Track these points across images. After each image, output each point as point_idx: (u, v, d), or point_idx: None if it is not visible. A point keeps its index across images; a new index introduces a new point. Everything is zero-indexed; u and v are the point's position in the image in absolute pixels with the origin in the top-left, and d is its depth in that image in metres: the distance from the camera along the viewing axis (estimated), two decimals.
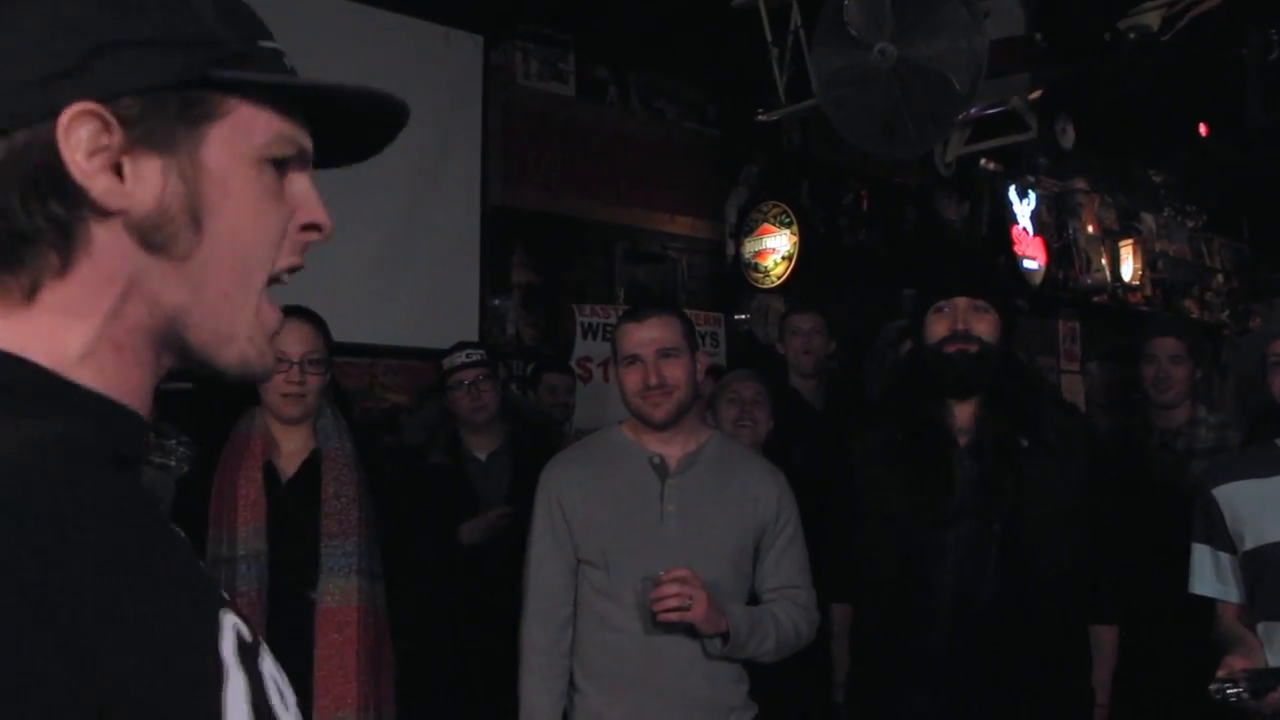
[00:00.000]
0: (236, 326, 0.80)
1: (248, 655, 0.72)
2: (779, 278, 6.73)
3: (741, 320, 6.84)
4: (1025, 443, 2.48)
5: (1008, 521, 2.43)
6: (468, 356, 3.76)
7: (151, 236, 0.75)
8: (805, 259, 6.70)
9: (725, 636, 2.40)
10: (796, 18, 4.96)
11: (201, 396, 2.64)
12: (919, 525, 2.49)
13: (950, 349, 2.50)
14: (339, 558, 2.65)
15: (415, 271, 5.45)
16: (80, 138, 0.71)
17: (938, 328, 2.54)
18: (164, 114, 0.74)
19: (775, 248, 6.77)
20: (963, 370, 2.50)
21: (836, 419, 4.21)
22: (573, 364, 5.57)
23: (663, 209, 6.77)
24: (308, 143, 0.84)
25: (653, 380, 2.48)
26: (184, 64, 0.74)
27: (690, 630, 2.39)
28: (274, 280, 0.83)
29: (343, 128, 0.88)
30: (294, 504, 2.69)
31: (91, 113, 0.71)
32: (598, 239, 6.42)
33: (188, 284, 0.77)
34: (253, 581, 2.57)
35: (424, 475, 3.64)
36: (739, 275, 6.93)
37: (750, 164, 7.01)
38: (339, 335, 2.98)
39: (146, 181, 0.74)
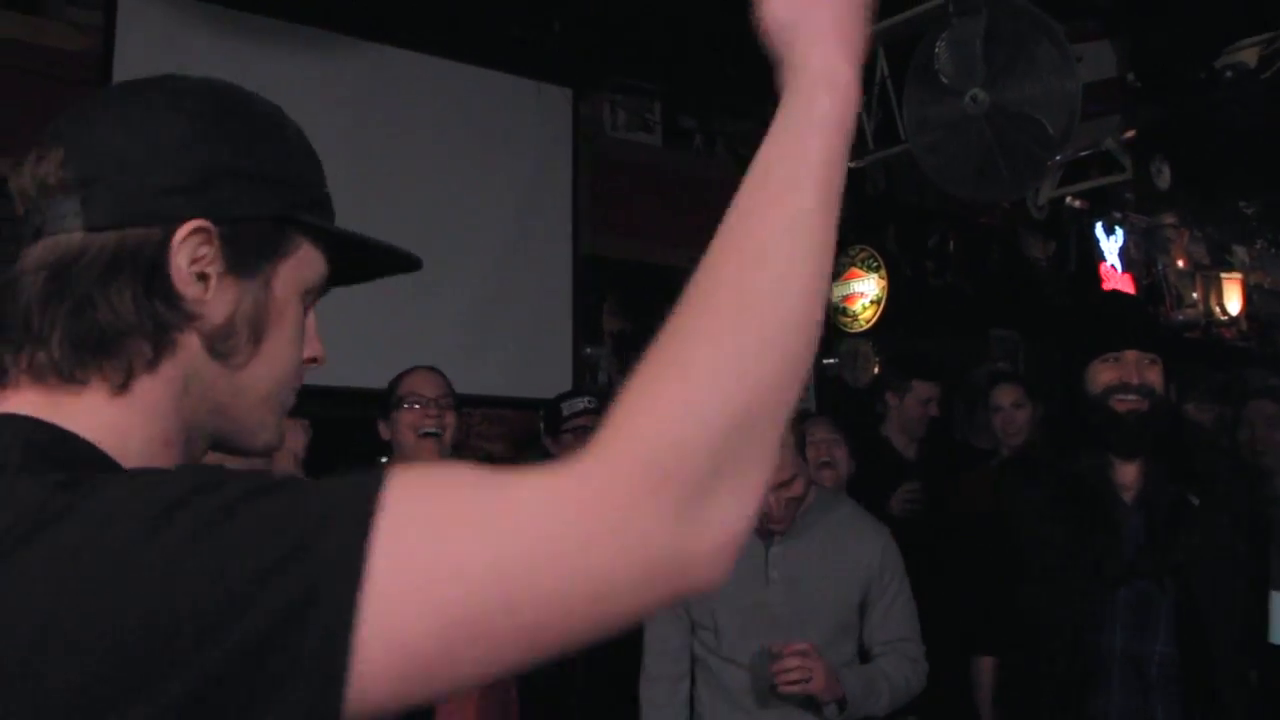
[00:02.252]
0: (266, 421, 0.92)
1: None
2: (867, 321, 6.72)
3: (830, 364, 6.82)
4: (1196, 500, 2.37)
5: (1180, 580, 2.33)
6: (588, 403, 3.80)
7: (218, 345, 0.86)
8: (893, 302, 6.68)
9: (842, 702, 2.45)
10: (883, 66, 4.99)
11: (326, 449, 2.74)
12: (1086, 584, 2.38)
13: (1122, 406, 2.39)
14: None
15: (509, 322, 5.53)
16: (188, 247, 0.82)
17: (1104, 376, 2.43)
18: (254, 243, 0.86)
19: (863, 291, 6.76)
20: (1137, 429, 2.39)
21: (929, 466, 4.22)
22: None
23: None
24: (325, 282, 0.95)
25: (777, 512, 2.54)
26: (279, 202, 0.87)
27: (807, 697, 2.45)
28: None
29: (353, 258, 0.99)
30: None
31: (204, 230, 0.83)
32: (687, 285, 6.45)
33: (233, 388, 0.88)
34: None
35: None
36: (827, 320, 6.90)
37: None
38: None
39: (226, 297, 0.85)
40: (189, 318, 0.84)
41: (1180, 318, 9.21)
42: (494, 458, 5.38)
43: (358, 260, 0.99)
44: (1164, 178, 5.74)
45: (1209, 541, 2.35)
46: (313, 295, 0.93)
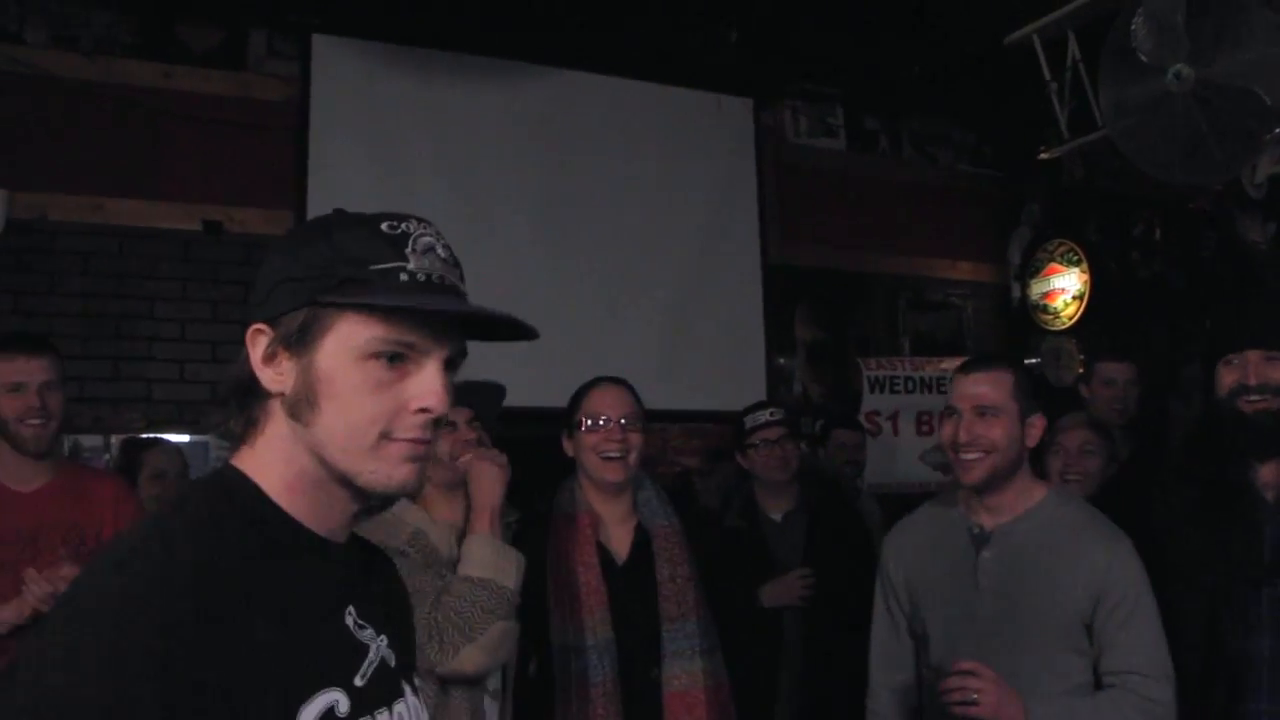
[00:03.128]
0: (358, 466, 1.12)
1: None
2: (1070, 318, 6.44)
3: (1032, 364, 6.57)
4: None
5: None
6: (771, 415, 3.75)
7: (292, 410, 1.12)
8: (1097, 297, 6.39)
9: None
10: (1074, 49, 4.79)
11: (523, 469, 2.72)
12: (1228, 587, 2.30)
13: (1247, 406, 2.31)
14: (681, 640, 2.64)
15: (701, 335, 5.53)
16: (257, 344, 1.13)
17: (1227, 379, 2.37)
18: (293, 331, 1.11)
19: (1064, 287, 6.49)
20: (1266, 431, 2.31)
21: (1143, 468, 3.93)
22: (861, 419, 5.49)
23: (943, 255, 6.63)
24: (418, 339, 1.13)
25: (963, 437, 2.33)
26: (304, 296, 1.10)
27: None
28: (390, 437, 1.13)
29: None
30: (631, 587, 2.68)
31: (258, 330, 1.13)
32: (880, 290, 6.35)
33: (316, 440, 1.12)
34: (606, 669, 2.57)
35: (722, 538, 3.64)
36: (1026, 318, 6.68)
37: (1032, 202, 6.78)
38: None
39: (288, 375, 1.12)
40: (270, 394, 1.13)
41: None
42: (689, 471, 5.39)
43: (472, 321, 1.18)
44: None
45: None
46: (395, 355, 1.11)
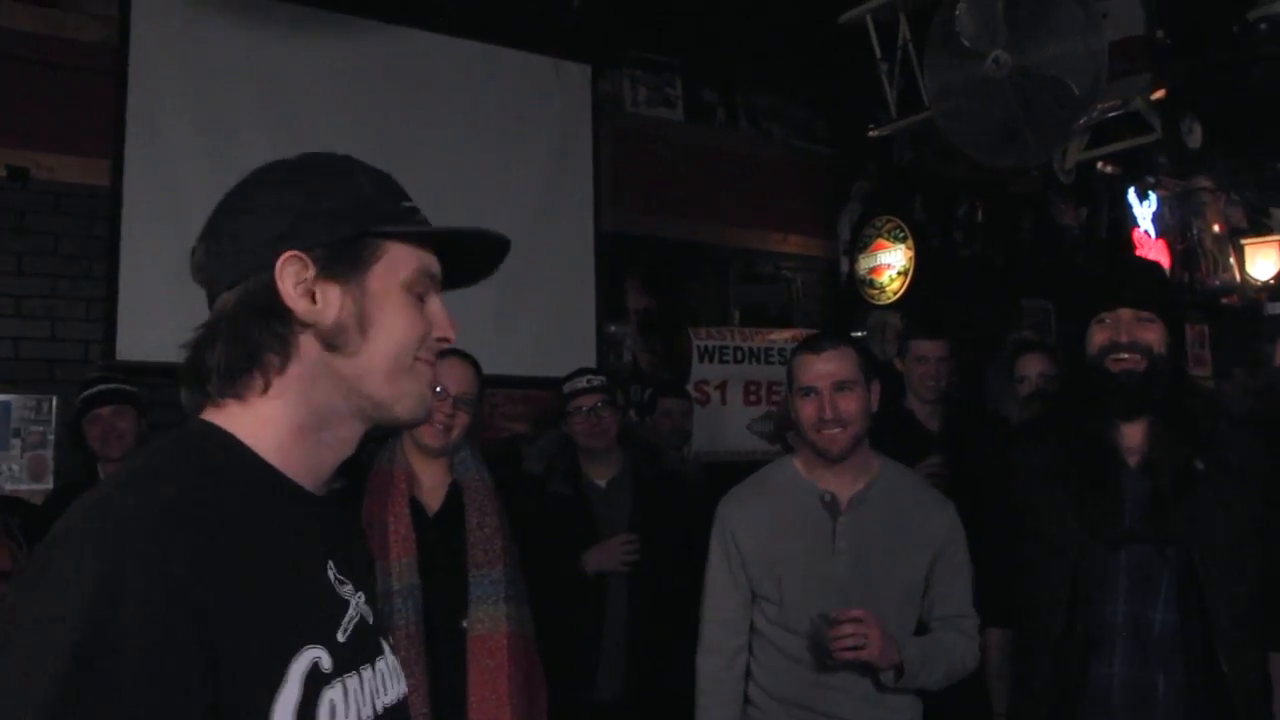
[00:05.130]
0: (398, 391, 1.16)
1: (314, 680, 1.03)
2: (895, 293, 6.65)
3: (858, 338, 6.75)
4: (1201, 465, 2.31)
5: (1183, 547, 2.28)
6: (588, 382, 3.76)
7: (332, 340, 1.13)
8: (921, 273, 6.61)
9: (900, 669, 2.43)
10: (905, 31, 4.93)
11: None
12: (1087, 549, 2.35)
13: (1116, 366, 2.34)
14: (486, 586, 2.72)
15: (532, 301, 5.50)
16: (289, 274, 1.11)
17: (1098, 337, 2.39)
18: (341, 258, 1.13)
19: (890, 263, 6.69)
20: (1131, 390, 2.33)
21: (954, 438, 4.09)
22: (689, 388, 5.55)
23: (775, 229, 6.74)
24: (438, 270, 1.22)
25: (827, 414, 2.51)
26: (352, 224, 1.13)
27: (865, 663, 2.43)
28: (417, 359, 1.18)
29: (462, 258, 1.26)
30: (441, 537, 2.76)
31: (296, 257, 1.11)
32: (711, 262, 6.42)
33: (356, 370, 1.14)
34: (410, 614, 2.63)
35: (545, 504, 3.65)
36: (854, 292, 6.86)
37: (861, 180, 6.95)
38: None
39: (331, 303, 1.12)
40: (304, 326, 1.11)
41: (1217, 283, 9.06)
42: (518, 437, 5.37)
43: (456, 253, 1.24)
44: (1195, 137, 5.62)
45: (1212, 507, 2.28)
46: (421, 285, 1.17)
